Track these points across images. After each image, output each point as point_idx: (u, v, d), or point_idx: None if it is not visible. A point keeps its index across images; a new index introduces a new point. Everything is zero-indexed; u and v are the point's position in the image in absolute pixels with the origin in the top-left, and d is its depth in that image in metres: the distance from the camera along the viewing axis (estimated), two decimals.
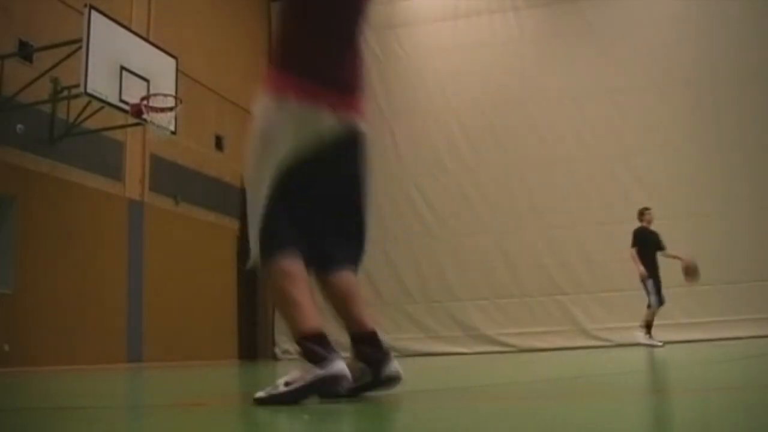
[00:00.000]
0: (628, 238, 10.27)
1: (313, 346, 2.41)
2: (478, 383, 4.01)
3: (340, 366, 2.40)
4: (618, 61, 12.80)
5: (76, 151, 9.48)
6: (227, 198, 12.59)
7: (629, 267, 12.06)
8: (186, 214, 11.65)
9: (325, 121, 2.56)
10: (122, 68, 8.80)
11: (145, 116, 9.04)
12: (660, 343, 9.49)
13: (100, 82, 8.46)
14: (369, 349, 2.64)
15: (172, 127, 9.55)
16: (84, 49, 8.24)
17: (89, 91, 8.34)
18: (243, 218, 2.66)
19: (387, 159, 13.67)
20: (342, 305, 2.70)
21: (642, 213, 10.33)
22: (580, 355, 8.49)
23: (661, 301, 9.90)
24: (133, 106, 8.94)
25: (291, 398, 2.38)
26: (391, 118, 13.77)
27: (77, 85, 8.48)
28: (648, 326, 9.82)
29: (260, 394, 2.46)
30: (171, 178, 11.27)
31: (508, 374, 4.93)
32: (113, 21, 8.74)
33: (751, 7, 12.28)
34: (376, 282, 13.35)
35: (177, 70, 9.76)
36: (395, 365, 2.66)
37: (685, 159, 12.19)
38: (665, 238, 10.41)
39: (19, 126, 8.75)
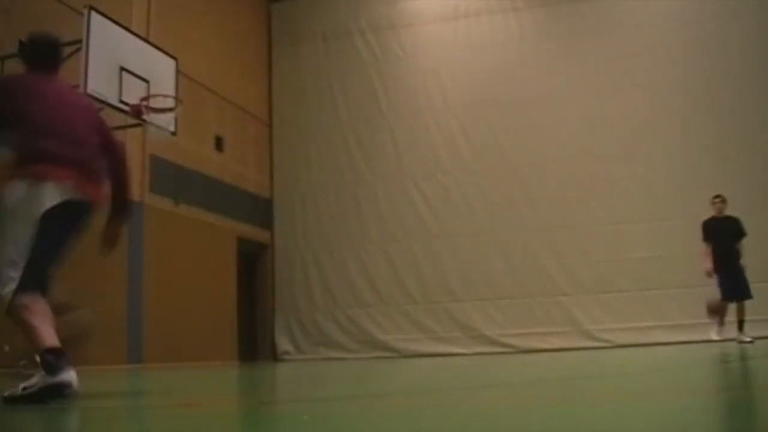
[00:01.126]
0: (628, 239, 10.20)
1: (49, 358, 3.14)
2: (478, 384, 4.00)
3: (68, 376, 3.08)
4: (618, 61, 12.78)
5: None
6: (227, 199, 12.57)
7: (630, 267, 12.10)
8: (186, 215, 11.64)
9: (51, 195, 3.48)
10: (122, 69, 8.79)
11: (144, 117, 9.03)
12: (717, 338, 9.31)
13: (100, 82, 8.44)
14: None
15: (172, 128, 9.54)
16: (84, 50, 8.23)
17: (89, 91, 8.32)
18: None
19: (387, 159, 13.68)
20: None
21: (712, 203, 9.99)
22: (581, 356, 8.49)
23: (725, 296, 9.45)
24: (132, 107, 8.93)
25: (26, 401, 3.04)
26: (391, 118, 13.77)
27: (77, 86, 8.47)
28: (719, 320, 9.51)
29: (5, 393, 3.13)
30: (171, 178, 11.26)
31: (507, 375, 4.92)
32: (113, 22, 8.74)
33: (751, 7, 12.27)
34: (376, 282, 13.35)
35: (177, 70, 9.75)
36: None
37: (685, 159, 12.18)
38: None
39: None
